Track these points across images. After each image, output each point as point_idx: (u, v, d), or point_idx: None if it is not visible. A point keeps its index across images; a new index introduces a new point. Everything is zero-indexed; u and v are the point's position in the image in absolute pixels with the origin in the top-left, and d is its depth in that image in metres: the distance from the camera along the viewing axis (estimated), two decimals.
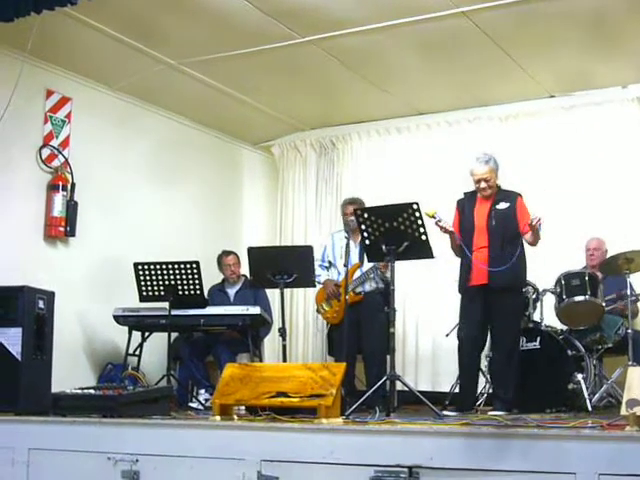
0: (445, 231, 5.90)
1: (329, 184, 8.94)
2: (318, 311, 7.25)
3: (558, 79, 7.50)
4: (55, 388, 5.45)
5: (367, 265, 6.73)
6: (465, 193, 6.23)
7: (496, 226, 5.92)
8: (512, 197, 6.03)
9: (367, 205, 6.65)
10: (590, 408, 5.97)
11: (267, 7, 6.11)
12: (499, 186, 6.08)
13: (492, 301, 5.90)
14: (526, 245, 6.01)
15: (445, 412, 5.58)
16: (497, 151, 7.82)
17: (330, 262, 7.13)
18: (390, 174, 8.43)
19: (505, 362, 5.96)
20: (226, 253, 7.64)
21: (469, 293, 5.98)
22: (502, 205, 5.99)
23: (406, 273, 7.00)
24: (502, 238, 5.90)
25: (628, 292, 6.25)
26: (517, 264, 5.87)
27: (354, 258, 6.73)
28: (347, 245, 6.18)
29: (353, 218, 5.91)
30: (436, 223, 5.79)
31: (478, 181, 6.00)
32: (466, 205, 6.12)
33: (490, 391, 6.50)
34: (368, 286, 6.86)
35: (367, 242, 5.65)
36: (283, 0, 6.05)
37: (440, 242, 6.01)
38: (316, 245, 7.01)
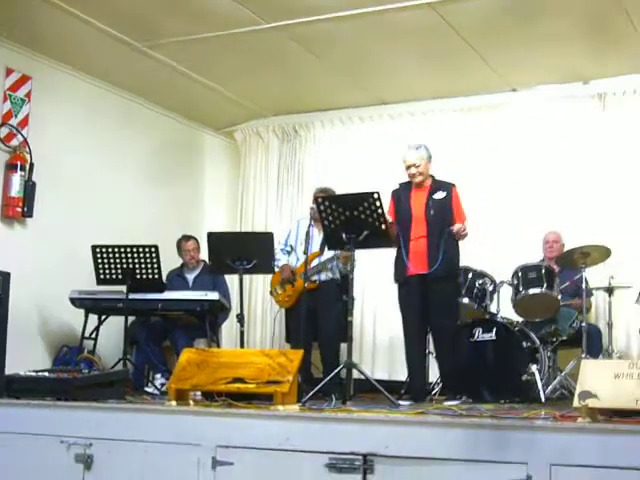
0: None
1: (291, 171, 8.92)
2: (271, 293, 7.25)
3: (520, 73, 7.54)
4: (9, 370, 5.39)
5: (327, 255, 6.74)
6: (400, 183, 6.29)
7: (434, 215, 5.99)
8: (447, 187, 6.12)
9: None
10: (543, 399, 6.04)
11: None
12: (433, 176, 6.16)
13: (430, 289, 5.96)
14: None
15: (400, 401, 5.62)
16: (459, 143, 7.91)
17: (292, 247, 7.13)
18: (352, 163, 8.44)
19: (448, 350, 6.06)
20: (186, 238, 7.60)
21: (408, 283, 6.03)
22: (439, 195, 6.07)
23: (365, 262, 7.01)
24: (440, 227, 5.96)
25: (583, 286, 6.35)
26: (453, 252, 5.99)
27: (315, 246, 6.74)
28: (307, 233, 6.19)
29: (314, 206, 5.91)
30: None
31: (408, 167, 6.08)
32: (402, 195, 6.19)
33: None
34: (324, 276, 6.86)
35: (327, 230, 5.66)
36: None
37: None
38: (277, 232, 7.00)
